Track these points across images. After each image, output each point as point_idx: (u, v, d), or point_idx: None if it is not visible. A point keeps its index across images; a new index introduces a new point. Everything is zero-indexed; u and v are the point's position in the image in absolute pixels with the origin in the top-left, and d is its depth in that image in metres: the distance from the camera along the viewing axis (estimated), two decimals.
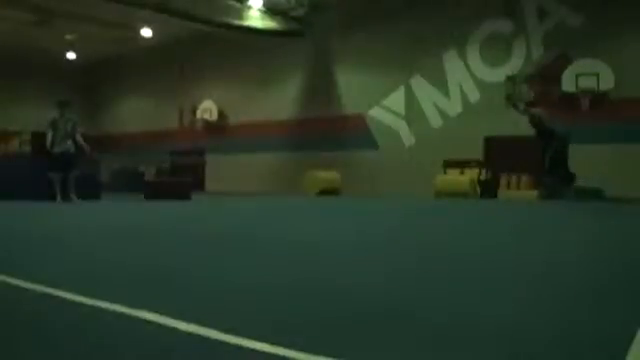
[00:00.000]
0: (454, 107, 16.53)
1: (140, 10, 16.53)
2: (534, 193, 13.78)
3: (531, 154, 14.84)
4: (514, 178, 14.53)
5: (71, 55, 23.91)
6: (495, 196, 14.49)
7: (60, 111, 10.36)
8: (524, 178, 14.36)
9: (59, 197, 10.16)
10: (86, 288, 2.10)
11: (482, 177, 15.08)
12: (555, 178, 8.20)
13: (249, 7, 17.87)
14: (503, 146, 15.29)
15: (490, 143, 15.70)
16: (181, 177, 14.22)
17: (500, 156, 15.23)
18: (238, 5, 17.70)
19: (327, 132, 18.90)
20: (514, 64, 15.44)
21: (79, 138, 10.42)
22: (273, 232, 4.89)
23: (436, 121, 16.83)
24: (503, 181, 14.71)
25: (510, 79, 15.33)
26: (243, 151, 21.27)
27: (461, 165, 15.45)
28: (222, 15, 17.49)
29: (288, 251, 3.51)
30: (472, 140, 15.76)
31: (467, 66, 16.33)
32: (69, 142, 10.30)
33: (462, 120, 16.26)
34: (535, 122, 9.79)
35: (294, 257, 3.22)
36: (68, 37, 21.79)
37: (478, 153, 15.75)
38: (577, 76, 14.10)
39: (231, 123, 21.99)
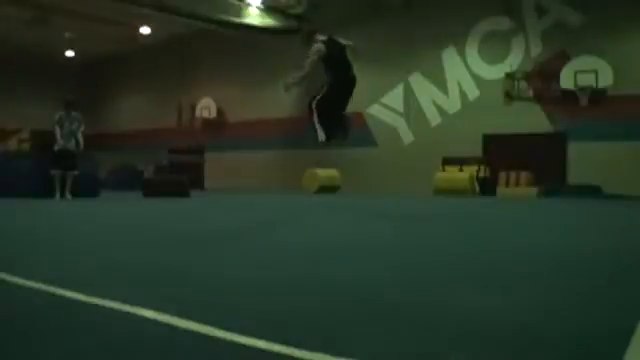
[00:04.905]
0: (453, 104, 16.53)
1: (139, 8, 16.49)
2: (533, 190, 13.80)
3: (530, 151, 14.89)
4: (513, 175, 14.53)
5: (70, 53, 23.87)
6: (494, 193, 14.50)
7: (66, 109, 10.48)
8: (523, 175, 14.37)
9: (58, 195, 10.18)
10: (85, 286, 2.11)
11: (481, 174, 15.08)
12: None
13: (248, 5, 17.84)
14: (502, 143, 15.30)
15: (489, 140, 15.70)
16: (180, 175, 14.18)
17: (499, 153, 15.23)
18: (237, 3, 17.67)
19: None
20: (513, 61, 15.43)
21: (80, 137, 10.52)
22: (272, 229, 4.89)
23: (435, 118, 16.83)
24: (502, 178, 14.71)
25: (509, 76, 15.33)
26: (242, 149, 21.25)
27: (460, 162, 15.45)
28: (221, 13, 17.45)
29: (288, 248, 3.52)
30: (471, 137, 15.76)
31: (466, 63, 16.32)
32: (73, 141, 10.43)
33: (461, 117, 16.25)
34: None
35: (293, 254, 3.23)
36: (67, 35, 21.74)
37: (477, 150, 15.75)
38: (576, 73, 14.10)
39: (230, 121, 21.97)
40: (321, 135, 6.24)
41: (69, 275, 2.43)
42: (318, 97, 6.18)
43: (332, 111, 6.26)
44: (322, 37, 6.33)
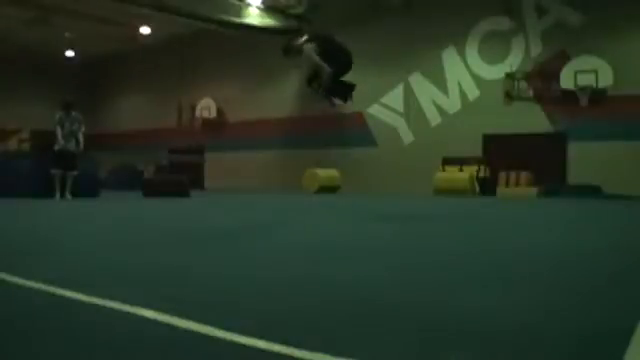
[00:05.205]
0: (453, 104, 16.53)
1: (139, 8, 16.49)
2: (533, 190, 13.80)
3: (530, 151, 14.90)
4: (513, 175, 14.53)
5: (70, 53, 23.87)
6: (494, 193, 14.50)
7: (66, 110, 10.53)
8: (523, 175, 14.37)
9: (58, 195, 10.19)
10: (85, 286, 2.11)
11: (481, 174, 15.08)
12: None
13: (248, 5, 17.85)
14: (502, 143, 15.30)
15: (489, 140, 15.70)
16: (180, 175, 14.18)
17: (499, 153, 15.23)
18: (237, 3, 17.68)
19: (326, 130, 18.88)
20: (513, 61, 15.43)
21: (80, 137, 10.57)
22: (272, 229, 4.89)
23: (435, 118, 16.83)
24: (502, 178, 14.71)
25: (509, 76, 15.33)
26: (242, 149, 21.26)
27: (460, 162, 15.45)
28: (221, 13, 17.45)
29: (288, 248, 3.52)
30: (471, 137, 15.76)
31: (466, 63, 16.33)
32: (73, 141, 10.47)
33: (461, 117, 16.26)
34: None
35: (293, 254, 3.23)
36: (67, 35, 21.74)
37: (477, 150, 15.76)
38: (576, 73, 14.10)
39: (230, 121, 21.97)
40: (338, 100, 6.44)
41: (69, 275, 2.43)
42: (323, 84, 6.25)
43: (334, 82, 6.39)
44: (303, 38, 6.36)
